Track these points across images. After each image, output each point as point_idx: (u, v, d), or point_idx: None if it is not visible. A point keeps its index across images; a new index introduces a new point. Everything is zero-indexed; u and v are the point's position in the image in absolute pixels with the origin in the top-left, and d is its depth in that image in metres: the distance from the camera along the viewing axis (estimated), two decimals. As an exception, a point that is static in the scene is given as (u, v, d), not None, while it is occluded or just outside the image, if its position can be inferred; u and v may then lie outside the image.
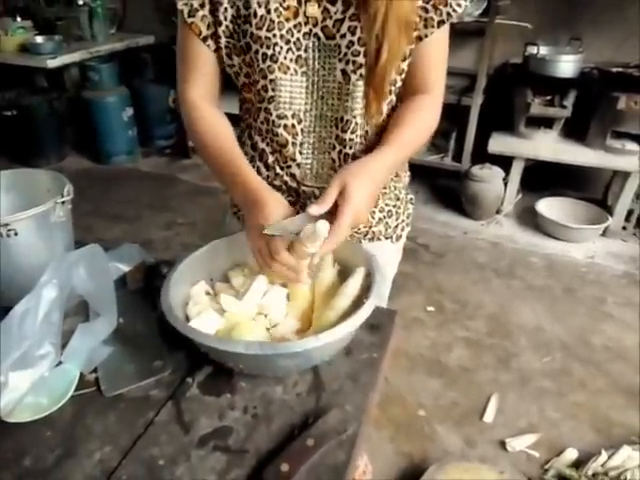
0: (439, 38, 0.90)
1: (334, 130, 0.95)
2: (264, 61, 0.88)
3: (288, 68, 0.89)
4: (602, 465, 1.66)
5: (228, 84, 1.00)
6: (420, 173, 2.75)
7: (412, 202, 1.18)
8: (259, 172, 1.00)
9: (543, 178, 3.13)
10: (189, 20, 0.89)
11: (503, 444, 1.77)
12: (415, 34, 0.88)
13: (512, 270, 2.73)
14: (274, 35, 0.86)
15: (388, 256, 1.15)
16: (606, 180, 3.11)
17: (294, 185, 1.01)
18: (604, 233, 2.95)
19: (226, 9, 0.87)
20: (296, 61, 0.89)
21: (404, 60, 0.91)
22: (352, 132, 0.94)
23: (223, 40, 0.90)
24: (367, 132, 0.96)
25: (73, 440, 0.71)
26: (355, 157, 0.96)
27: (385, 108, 0.95)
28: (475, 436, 1.81)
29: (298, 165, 0.98)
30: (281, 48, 0.87)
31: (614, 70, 2.79)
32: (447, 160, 3.29)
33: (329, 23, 0.86)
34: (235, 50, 0.91)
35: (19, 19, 3.61)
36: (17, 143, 3.64)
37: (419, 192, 3.36)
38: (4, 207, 1.00)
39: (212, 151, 0.93)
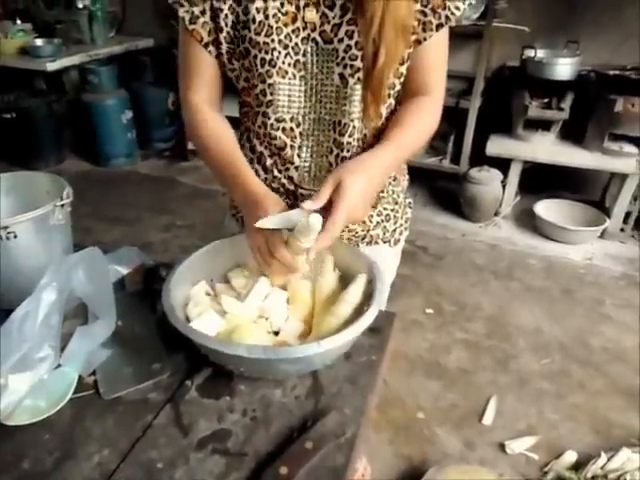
0: (438, 41, 0.91)
1: (332, 134, 0.95)
2: (263, 66, 0.88)
3: (286, 72, 0.90)
4: (601, 467, 1.66)
5: (228, 88, 1.00)
6: (418, 176, 2.75)
7: (410, 206, 1.19)
8: (257, 175, 1.00)
9: (541, 180, 3.14)
10: (190, 27, 0.89)
11: (502, 446, 1.77)
12: (414, 38, 0.89)
13: (510, 272, 2.73)
14: (272, 40, 0.86)
15: (386, 260, 1.15)
16: (604, 182, 3.11)
17: (292, 188, 1.01)
18: (602, 235, 2.96)
19: (226, 15, 0.88)
20: (294, 65, 0.89)
21: (402, 64, 0.91)
22: (350, 135, 0.95)
23: (224, 46, 0.91)
24: (365, 136, 0.96)
25: (72, 443, 0.71)
26: None
27: (384, 112, 0.96)
28: (474, 438, 1.81)
29: (296, 168, 0.99)
30: (279, 53, 0.87)
31: (611, 73, 2.79)
32: (445, 162, 3.30)
33: (327, 28, 0.86)
34: (235, 55, 0.92)
35: (19, 22, 3.61)
36: (16, 146, 3.64)
37: (418, 195, 3.36)
38: (4, 210, 1.00)
39: (214, 154, 0.93)
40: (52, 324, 0.76)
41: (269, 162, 1.01)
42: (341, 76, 0.89)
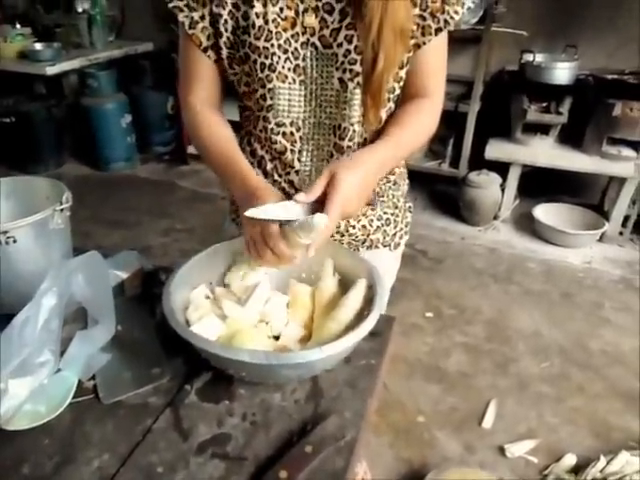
0: (437, 45, 0.91)
1: (332, 138, 0.96)
2: (262, 70, 0.89)
3: (286, 77, 0.90)
4: (601, 471, 1.66)
5: (228, 92, 1.01)
6: (418, 179, 2.76)
7: (411, 210, 1.19)
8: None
9: (540, 184, 3.15)
10: (190, 32, 0.90)
11: (502, 450, 1.77)
12: (413, 42, 0.89)
13: (510, 275, 2.74)
14: (272, 45, 0.87)
15: (386, 264, 1.15)
16: (602, 186, 3.12)
17: (293, 192, 1.01)
18: (601, 238, 2.97)
19: (226, 21, 0.88)
20: (294, 70, 0.90)
21: (402, 68, 0.91)
22: (350, 140, 0.95)
23: (225, 51, 0.91)
24: (365, 140, 0.97)
25: (71, 447, 0.71)
26: None
27: (384, 116, 0.96)
28: (474, 442, 1.81)
29: (297, 172, 0.99)
30: (279, 57, 0.88)
31: (609, 77, 2.80)
32: (445, 166, 3.31)
33: (326, 32, 0.87)
34: (235, 60, 0.92)
35: (18, 26, 3.62)
36: (16, 150, 3.65)
37: (417, 198, 3.37)
38: (3, 214, 1.00)
39: (213, 151, 0.94)
40: (52, 329, 0.76)
41: (270, 166, 1.01)
42: (340, 80, 0.90)
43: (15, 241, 0.88)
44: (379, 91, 0.89)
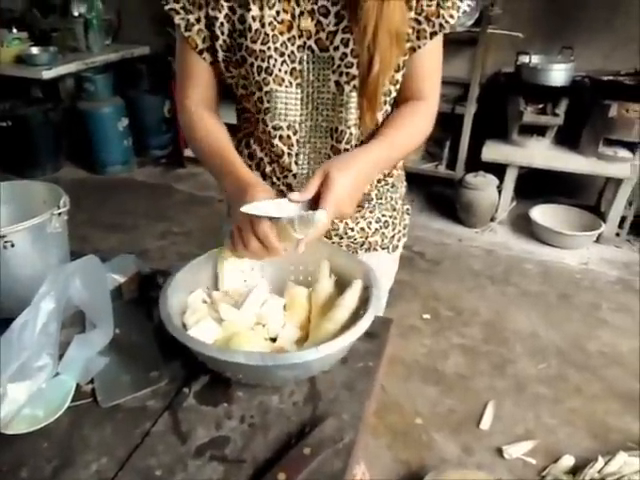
0: (433, 49, 0.92)
1: (329, 141, 0.96)
2: (259, 73, 0.89)
3: (283, 80, 0.90)
4: (599, 471, 1.67)
5: (226, 95, 1.01)
6: (415, 181, 2.76)
7: (409, 212, 1.19)
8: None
9: (537, 185, 3.16)
10: (186, 34, 0.91)
11: (500, 451, 1.77)
12: (408, 45, 0.90)
13: (507, 277, 2.74)
14: (269, 48, 0.87)
15: (385, 266, 1.16)
16: (599, 187, 3.13)
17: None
18: (598, 239, 2.97)
19: (222, 24, 0.88)
20: (291, 73, 0.90)
21: (398, 71, 0.92)
22: (347, 143, 0.95)
23: (221, 54, 0.92)
24: (362, 142, 0.97)
25: (70, 451, 0.71)
26: None
27: (380, 118, 0.97)
28: (472, 443, 1.81)
29: (294, 176, 0.99)
30: (276, 61, 0.88)
31: (605, 78, 2.81)
32: (441, 168, 3.31)
33: (322, 36, 0.87)
34: (232, 63, 0.93)
35: (15, 30, 3.61)
36: (12, 154, 3.64)
37: (414, 200, 3.37)
38: (1, 219, 1.00)
39: (208, 149, 0.94)
40: (50, 333, 0.76)
41: (268, 169, 1.02)
42: (337, 83, 0.90)
43: (13, 245, 0.88)
44: (375, 94, 0.89)
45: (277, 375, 0.77)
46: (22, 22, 3.84)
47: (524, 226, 3.10)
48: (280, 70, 0.90)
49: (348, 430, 0.73)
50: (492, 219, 3.15)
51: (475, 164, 3.06)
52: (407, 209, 1.19)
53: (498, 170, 3.01)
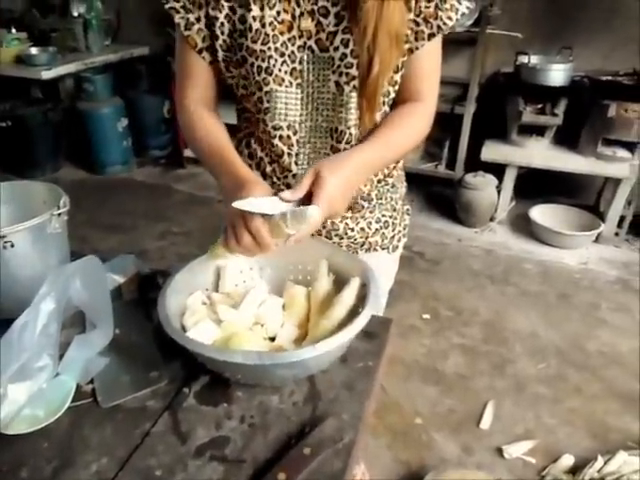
0: (431, 50, 0.92)
1: (329, 141, 0.96)
2: (259, 73, 0.89)
3: (283, 80, 0.91)
4: (598, 471, 1.67)
5: (226, 95, 1.01)
6: (414, 181, 2.76)
7: (409, 213, 1.20)
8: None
9: (536, 185, 3.16)
10: (185, 33, 0.91)
11: (500, 451, 1.77)
12: (407, 46, 0.90)
13: (506, 277, 2.74)
14: (269, 48, 0.87)
15: (385, 267, 1.16)
16: (598, 187, 3.14)
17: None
18: (597, 239, 2.98)
19: (222, 24, 0.89)
20: (291, 73, 0.91)
21: (397, 72, 0.92)
22: (347, 143, 0.96)
23: (221, 53, 0.92)
24: (360, 142, 0.97)
25: (70, 451, 0.71)
26: None
27: (378, 119, 0.97)
28: (472, 443, 1.81)
29: (294, 176, 0.99)
30: (276, 61, 0.89)
31: (604, 78, 2.82)
32: (441, 168, 3.32)
33: (322, 36, 0.87)
34: (232, 63, 0.93)
35: (14, 31, 3.61)
36: (12, 154, 3.64)
37: (414, 200, 3.38)
38: (1, 219, 1.00)
39: (209, 153, 0.94)
40: (51, 333, 0.76)
41: (268, 169, 1.02)
42: (337, 84, 0.90)
43: (13, 246, 0.88)
44: (374, 94, 0.90)
45: (276, 374, 0.77)
46: (21, 22, 3.84)
47: (523, 226, 3.10)
48: (280, 70, 0.90)
49: (348, 430, 0.73)
50: (491, 219, 3.15)
51: (474, 164, 3.06)
52: (407, 209, 1.19)
53: (497, 170, 3.02)
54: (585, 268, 2.82)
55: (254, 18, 0.86)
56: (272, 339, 0.87)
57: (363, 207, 1.07)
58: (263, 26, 0.86)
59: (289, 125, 0.95)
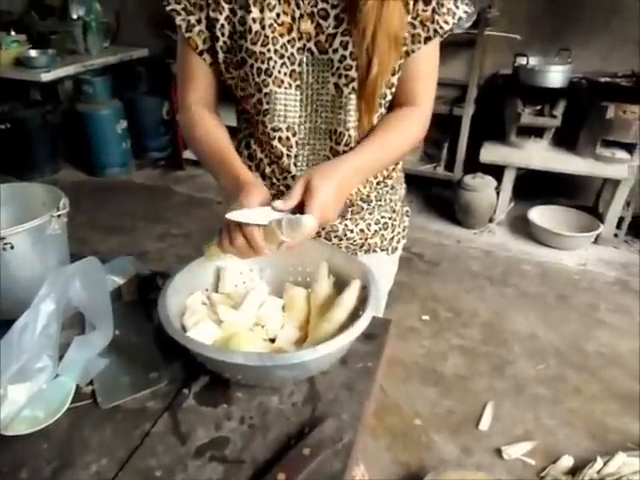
0: (427, 53, 0.92)
1: (328, 142, 0.97)
2: (259, 75, 0.90)
3: (282, 82, 0.91)
4: (598, 472, 1.67)
5: (226, 97, 1.01)
6: (413, 183, 2.77)
7: (408, 214, 1.20)
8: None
9: (535, 187, 3.16)
10: (186, 35, 0.91)
11: (499, 452, 1.77)
12: (403, 49, 0.90)
13: (505, 278, 2.75)
14: (268, 50, 0.88)
15: (384, 268, 1.16)
16: (597, 188, 3.14)
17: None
18: (596, 240, 2.98)
19: (223, 25, 0.89)
20: (290, 75, 0.91)
21: (394, 74, 0.92)
22: (346, 144, 0.96)
23: (221, 55, 0.92)
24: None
25: (70, 452, 0.71)
26: None
27: (376, 121, 0.97)
28: (471, 444, 1.81)
29: (293, 177, 1.00)
30: (275, 62, 0.89)
31: (602, 80, 2.83)
32: (440, 170, 3.32)
33: (322, 38, 0.88)
34: (232, 64, 0.93)
35: (13, 33, 3.61)
36: (11, 156, 3.64)
37: (413, 202, 3.38)
38: (0, 220, 1.00)
39: (209, 153, 0.94)
40: (50, 334, 0.77)
41: (268, 170, 1.02)
42: (336, 86, 0.91)
43: (12, 247, 0.88)
44: (373, 96, 0.90)
45: (276, 375, 0.77)
46: (20, 24, 3.84)
47: (522, 227, 3.11)
48: (280, 72, 0.90)
49: (347, 430, 0.73)
50: (490, 220, 3.16)
51: (473, 165, 3.07)
52: (406, 211, 1.19)
53: (496, 171, 3.02)
54: (584, 269, 2.82)
55: (254, 20, 0.86)
56: (272, 340, 0.87)
57: (362, 209, 1.07)
58: (263, 28, 0.87)
59: (288, 127, 0.95)
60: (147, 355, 0.87)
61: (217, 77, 0.97)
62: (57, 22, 3.82)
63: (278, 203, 0.77)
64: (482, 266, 2.85)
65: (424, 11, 0.87)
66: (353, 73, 0.88)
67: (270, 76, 0.90)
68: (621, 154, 2.86)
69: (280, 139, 0.96)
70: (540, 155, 2.99)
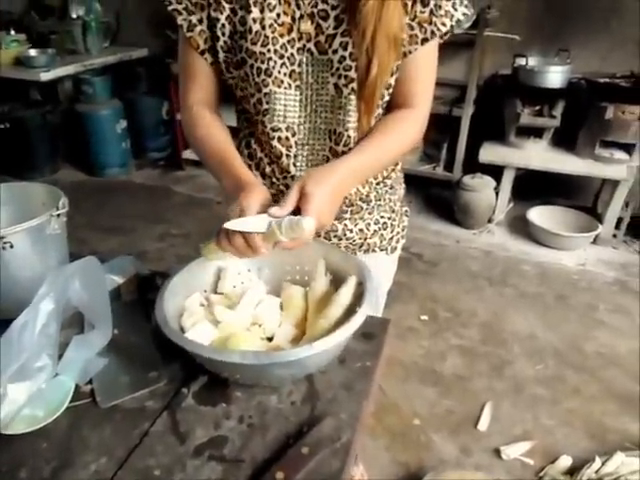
0: (425, 54, 0.92)
1: (327, 142, 0.97)
2: (259, 75, 0.90)
3: (282, 82, 0.91)
4: (596, 472, 1.67)
5: (227, 97, 1.02)
6: (413, 183, 2.77)
7: (407, 214, 1.20)
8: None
9: (534, 187, 3.16)
10: (188, 34, 0.92)
11: (498, 452, 1.77)
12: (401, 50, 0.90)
13: (505, 278, 2.75)
14: (268, 50, 0.88)
15: (383, 268, 1.16)
16: (596, 188, 3.14)
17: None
18: (595, 241, 2.98)
19: (223, 25, 0.89)
20: (290, 75, 0.91)
21: (391, 75, 0.92)
22: (345, 145, 0.96)
23: (221, 55, 0.92)
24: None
25: (69, 451, 0.71)
26: None
27: (373, 122, 0.97)
28: (470, 444, 1.82)
29: (292, 177, 1.00)
30: (275, 62, 0.89)
31: (601, 80, 2.83)
32: (439, 170, 3.32)
33: (322, 39, 0.88)
34: (232, 64, 0.93)
35: (13, 32, 3.62)
36: (10, 156, 3.64)
37: (412, 202, 3.38)
38: (0, 220, 1.00)
39: (210, 152, 0.94)
40: (50, 334, 0.77)
41: (268, 169, 1.03)
42: (335, 86, 0.91)
43: (12, 246, 0.89)
44: (372, 97, 0.90)
45: (274, 374, 0.77)
46: (20, 24, 3.84)
47: (521, 227, 3.11)
48: (279, 72, 0.90)
49: (346, 429, 0.74)
50: (489, 220, 3.16)
51: (472, 166, 3.07)
52: (405, 211, 1.19)
53: (495, 172, 3.02)
54: (583, 269, 2.83)
55: (254, 20, 0.87)
56: (270, 339, 0.87)
57: (362, 208, 1.08)
58: (263, 28, 0.87)
59: (288, 127, 0.96)
60: (146, 355, 0.88)
61: (218, 77, 0.97)
62: (57, 22, 3.83)
63: (274, 210, 0.77)
64: (481, 266, 2.85)
65: (422, 12, 0.87)
66: (353, 74, 0.88)
67: (270, 76, 0.90)
68: (620, 154, 2.86)
69: (280, 139, 0.97)
70: (539, 155, 2.99)
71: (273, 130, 0.96)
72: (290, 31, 0.88)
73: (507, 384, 2.07)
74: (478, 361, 2.19)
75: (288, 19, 0.88)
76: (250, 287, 0.93)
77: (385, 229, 1.12)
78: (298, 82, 0.92)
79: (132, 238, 3.05)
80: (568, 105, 2.90)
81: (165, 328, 0.76)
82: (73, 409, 0.77)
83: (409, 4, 0.86)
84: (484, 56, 3.08)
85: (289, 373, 0.79)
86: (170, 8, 0.91)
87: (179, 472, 0.68)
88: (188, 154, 3.77)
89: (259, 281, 0.96)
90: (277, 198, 1.01)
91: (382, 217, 1.11)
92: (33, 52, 3.55)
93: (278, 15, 0.87)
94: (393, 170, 1.10)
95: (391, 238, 1.15)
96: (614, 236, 3.02)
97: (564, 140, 3.01)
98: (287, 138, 0.97)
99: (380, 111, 0.97)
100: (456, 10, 0.89)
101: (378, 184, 1.07)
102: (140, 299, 1.01)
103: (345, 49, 0.87)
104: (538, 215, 3.06)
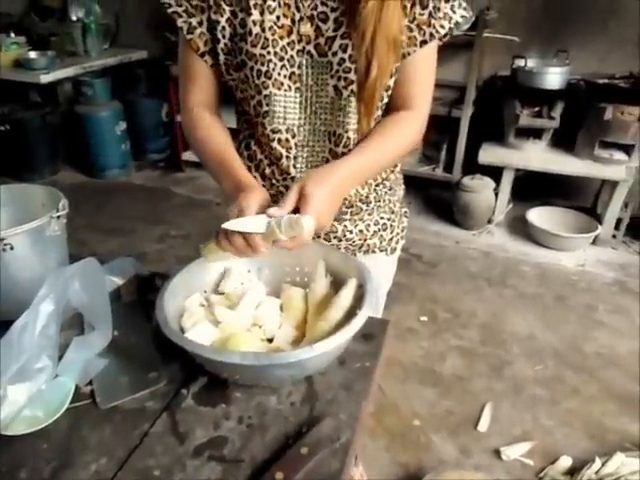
0: (424, 56, 0.92)
1: (327, 144, 0.97)
2: (259, 77, 0.90)
3: (282, 84, 0.91)
4: (596, 472, 1.67)
5: (227, 99, 1.02)
6: (412, 184, 2.78)
7: (407, 215, 1.20)
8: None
9: (533, 188, 3.17)
10: (188, 37, 0.92)
11: (498, 452, 1.77)
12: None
13: (504, 279, 2.75)
14: (268, 52, 0.88)
15: (383, 269, 1.17)
16: (595, 189, 3.15)
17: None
18: (594, 241, 2.99)
19: (224, 28, 0.90)
20: (290, 77, 0.91)
21: (390, 77, 0.93)
22: (345, 146, 0.96)
23: (222, 57, 0.93)
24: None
25: (69, 452, 0.72)
26: None
27: (373, 124, 0.97)
28: (470, 445, 1.82)
29: (292, 179, 1.00)
30: (275, 65, 0.89)
31: (600, 81, 2.83)
32: (438, 171, 3.33)
33: (321, 41, 0.88)
34: (232, 66, 0.94)
35: (13, 35, 3.61)
36: (10, 158, 3.64)
37: (411, 203, 3.38)
38: (0, 222, 1.01)
39: (210, 154, 0.94)
40: (50, 335, 0.77)
41: (268, 171, 1.03)
42: (335, 88, 0.91)
43: (12, 248, 0.89)
44: (372, 99, 0.90)
45: (273, 375, 0.78)
46: (20, 26, 3.85)
47: (521, 228, 3.11)
48: (279, 74, 0.91)
49: (345, 430, 0.74)
50: (489, 221, 3.16)
51: (472, 167, 3.07)
52: (405, 212, 1.20)
53: (495, 173, 3.03)
54: (582, 270, 2.83)
55: (254, 22, 0.87)
56: (270, 340, 0.87)
57: (361, 210, 1.08)
58: (263, 30, 0.87)
59: (288, 128, 0.96)
60: (146, 355, 0.88)
61: (218, 79, 0.98)
62: (57, 24, 3.83)
63: (273, 210, 0.77)
64: (481, 267, 2.85)
65: (421, 15, 0.88)
66: (352, 76, 0.89)
67: (270, 78, 0.90)
68: (619, 155, 2.87)
69: (279, 141, 0.97)
70: (538, 156, 2.99)
71: (273, 132, 0.96)
72: (290, 33, 0.89)
73: (507, 385, 2.07)
74: (477, 362, 2.19)
75: (288, 21, 0.88)
76: (250, 288, 0.93)
77: (385, 230, 1.13)
78: (298, 84, 0.92)
79: (132, 239, 3.05)
80: (567, 106, 2.90)
81: (165, 328, 0.76)
82: (73, 410, 0.77)
83: (408, 6, 0.87)
84: (483, 57, 3.09)
85: (289, 374, 0.80)
86: (170, 10, 0.91)
87: (179, 472, 0.68)
88: (188, 156, 3.78)
89: (259, 282, 0.96)
90: (277, 199, 1.01)
91: (382, 218, 1.11)
92: (33, 54, 3.55)
93: (278, 17, 0.87)
94: (392, 171, 1.10)
95: (391, 239, 1.15)
96: (613, 237, 3.02)
97: (563, 141, 3.02)
98: (287, 140, 0.97)
99: (380, 113, 0.98)
100: (455, 12, 0.89)
101: (377, 185, 1.08)
102: (140, 300, 1.02)
103: (345, 51, 0.87)
104: (537, 216, 3.06)
